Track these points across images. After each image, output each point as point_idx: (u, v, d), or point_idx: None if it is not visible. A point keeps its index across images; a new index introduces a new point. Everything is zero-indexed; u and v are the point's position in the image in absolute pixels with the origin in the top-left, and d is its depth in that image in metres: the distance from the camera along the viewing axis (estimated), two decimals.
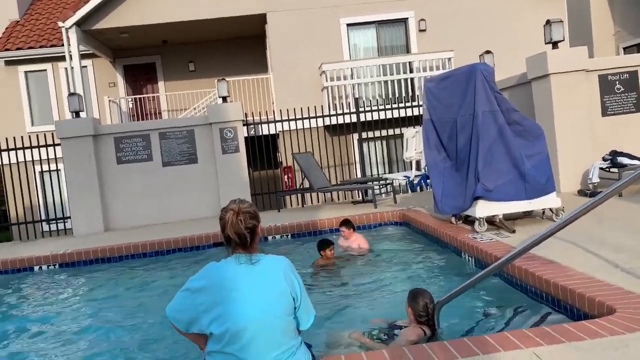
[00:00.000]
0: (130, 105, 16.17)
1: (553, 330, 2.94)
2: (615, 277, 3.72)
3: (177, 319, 2.47)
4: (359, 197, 10.85)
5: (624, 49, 18.72)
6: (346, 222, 6.63)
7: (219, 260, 2.50)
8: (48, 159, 10.17)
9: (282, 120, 10.98)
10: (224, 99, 9.96)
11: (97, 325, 4.78)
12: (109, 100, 15.29)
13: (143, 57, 16.69)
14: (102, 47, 15.58)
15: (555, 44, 8.00)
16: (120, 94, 16.48)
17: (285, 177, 12.91)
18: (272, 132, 11.89)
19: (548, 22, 7.95)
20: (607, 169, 7.45)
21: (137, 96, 15.90)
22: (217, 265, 2.47)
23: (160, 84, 16.80)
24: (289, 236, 7.82)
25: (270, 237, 7.79)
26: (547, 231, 3.33)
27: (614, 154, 7.50)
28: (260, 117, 11.07)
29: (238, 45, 16.39)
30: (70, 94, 9.88)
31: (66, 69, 14.07)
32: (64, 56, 13.62)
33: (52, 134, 9.93)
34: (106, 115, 15.52)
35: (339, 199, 11.78)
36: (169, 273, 6.43)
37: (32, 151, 10.12)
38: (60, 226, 10.56)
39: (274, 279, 2.45)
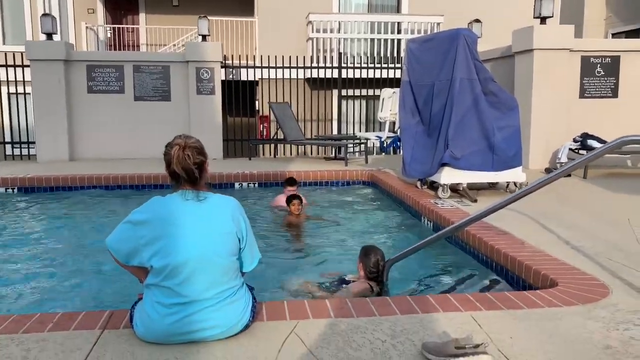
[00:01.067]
0: (109, 35, 15.62)
1: (494, 297, 2.99)
2: (565, 253, 3.79)
3: (116, 250, 2.42)
4: (332, 153, 10.81)
5: (613, 34, 18.73)
6: (293, 181, 6.39)
7: (165, 195, 2.43)
8: (16, 80, 9.80)
9: (262, 67, 10.73)
10: (204, 37, 9.66)
11: (45, 254, 4.71)
12: (87, 27, 14.72)
13: None
14: None
15: (543, 20, 7.91)
16: (98, 21, 15.87)
17: (261, 126, 12.75)
18: (252, 78, 11.64)
19: None
20: (576, 150, 7.54)
21: (117, 26, 15.35)
22: (162, 199, 2.41)
23: (142, 16, 16.22)
24: (256, 185, 7.77)
25: (237, 184, 7.73)
26: (499, 202, 3.35)
27: (585, 136, 7.58)
28: (240, 61, 10.78)
29: None
30: (44, 15, 9.45)
31: None
32: None
33: (22, 54, 9.54)
34: (82, 42, 14.96)
35: (312, 154, 11.72)
36: (126, 209, 6.34)
37: None
38: (25, 151, 10.29)
39: (220, 217, 2.40)
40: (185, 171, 2.36)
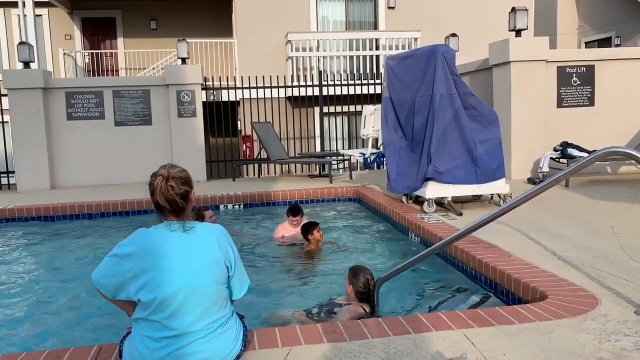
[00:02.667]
0: (87, 60, 15.54)
1: (485, 313, 2.99)
2: (552, 264, 3.82)
3: (103, 285, 2.37)
4: (316, 171, 10.82)
5: (586, 43, 19.15)
6: (297, 210, 5.78)
7: (150, 227, 2.40)
8: None
9: (243, 88, 10.75)
10: (183, 60, 9.65)
11: (29, 288, 4.61)
12: (64, 53, 14.64)
13: (103, 10, 16.03)
14: None
15: (518, 32, 8.06)
16: (76, 47, 15.81)
17: (244, 146, 12.73)
18: (233, 99, 11.64)
19: (513, 10, 7.99)
20: (557, 160, 7.63)
21: (95, 51, 15.28)
22: (147, 231, 2.37)
23: (120, 41, 16.19)
24: (242, 206, 7.73)
25: (222, 206, 7.68)
26: (488, 216, 3.36)
27: (565, 145, 7.68)
28: (220, 82, 10.79)
29: (203, 6, 15.91)
30: (20, 43, 9.38)
31: (18, 16, 13.33)
32: (17, 2, 12.88)
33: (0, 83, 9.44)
34: (60, 68, 14.87)
35: (296, 172, 11.72)
36: (110, 237, 6.26)
37: None
38: (4, 180, 10.13)
39: (206, 246, 2.37)
40: (169, 202, 2.33)
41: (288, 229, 5.82)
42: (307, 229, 5.38)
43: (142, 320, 2.33)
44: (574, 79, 8.35)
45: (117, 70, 16.01)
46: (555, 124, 8.27)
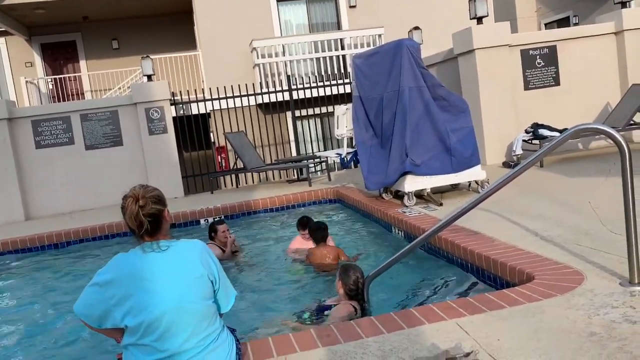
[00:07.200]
0: (50, 86, 15.25)
1: (475, 300, 3.01)
2: (535, 244, 3.86)
3: (86, 315, 2.31)
4: (294, 175, 10.79)
5: (545, 24, 19.51)
6: (307, 223, 5.37)
7: (128, 251, 2.35)
8: None
9: (212, 99, 10.67)
10: (149, 77, 9.54)
11: (12, 322, 4.50)
12: (26, 81, 14.34)
13: (62, 34, 15.75)
14: (16, 24, 14.54)
15: (480, 20, 8.16)
16: (38, 74, 15.50)
17: (219, 157, 12.63)
18: (203, 111, 11.54)
19: None
20: (530, 141, 7.74)
21: (57, 76, 15.00)
22: (125, 255, 2.33)
23: (82, 63, 15.93)
24: (222, 218, 7.65)
25: (202, 221, 7.61)
26: (469, 203, 3.39)
27: (536, 126, 7.80)
28: (189, 96, 10.70)
29: (164, 21, 15.76)
30: None
31: None
32: None
33: None
34: (24, 97, 14.55)
35: (274, 178, 11.67)
36: (95, 262, 6.15)
37: None
38: None
39: (188, 263, 2.33)
40: (141, 223, 2.29)
41: (302, 243, 5.36)
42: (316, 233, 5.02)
43: (131, 345, 2.28)
44: (538, 60, 8.49)
45: (82, 94, 15.76)
46: (524, 107, 8.40)
